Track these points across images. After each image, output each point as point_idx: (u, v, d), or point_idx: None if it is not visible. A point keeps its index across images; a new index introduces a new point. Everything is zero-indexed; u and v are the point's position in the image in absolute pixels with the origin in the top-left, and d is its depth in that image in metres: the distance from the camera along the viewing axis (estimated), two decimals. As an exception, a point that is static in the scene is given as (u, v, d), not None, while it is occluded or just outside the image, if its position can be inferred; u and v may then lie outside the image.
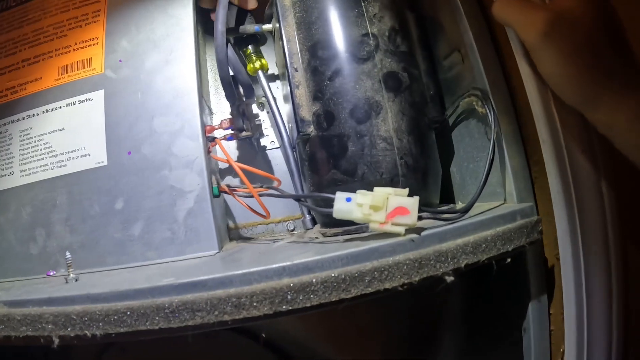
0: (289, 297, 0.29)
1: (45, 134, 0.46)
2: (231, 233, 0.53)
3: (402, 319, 0.56)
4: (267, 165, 0.54)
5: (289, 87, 0.42)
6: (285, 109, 0.53)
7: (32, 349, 0.52)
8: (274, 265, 0.30)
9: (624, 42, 0.32)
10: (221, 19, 0.43)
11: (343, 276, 0.30)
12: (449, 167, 0.48)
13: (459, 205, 0.46)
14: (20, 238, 0.44)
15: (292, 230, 0.52)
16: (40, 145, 0.46)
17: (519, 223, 0.35)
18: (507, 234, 0.34)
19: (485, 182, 0.37)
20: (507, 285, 0.41)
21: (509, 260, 0.34)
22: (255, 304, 0.29)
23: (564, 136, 0.35)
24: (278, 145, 0.55)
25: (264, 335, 0.53)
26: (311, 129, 0.41)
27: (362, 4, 0.41)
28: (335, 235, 0.39)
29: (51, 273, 0.43)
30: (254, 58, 0.48)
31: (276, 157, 0.55)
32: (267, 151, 0.55)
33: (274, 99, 0.48)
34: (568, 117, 0.35)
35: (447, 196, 0.48)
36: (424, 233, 0.32)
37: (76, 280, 0.37)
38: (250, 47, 0.49)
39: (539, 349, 0.38)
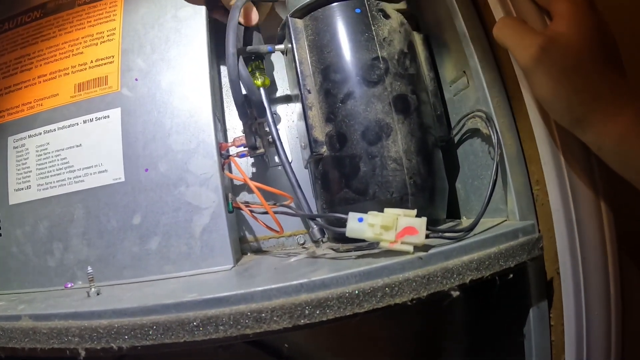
0: (307, 311, 0.30)
1: (63, 149, 0.46)
2: (243, 246, 0.52)
3: (409, 332, 0.56)
4: (278, 181, 0.54)
5: (301, 107, 0.43)
6: (296, 125, 0.53)
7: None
8: (293, 282, 0.31)
9: (616, 63, 0.32)
10: (232, 41, 0.43)
11: (357, 292, 0.31)
12: (455, 183, 0.49)
13: (464, 219, 0.47)
14: (37, 251, 0.45)
15: (303, 244, 0.52)
16: (58, 160, 0.46)
17: (520, 240, 0.35)
18: (509, 251, 0.34)
19: (488, 203, 0.38)
20: (509, 298, 0.41)
21: (511, 275, 0.35)
22: (275, 318, 0.30)
23: (564, 157, 0.36)
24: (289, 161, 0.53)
25: (286, 345, 0.53)
26: (324, 150, 0.42)
27: (372, 27, 0.41)
28: (349, 251, 0.39)
29: (69, 285, 0.43)
30: (257, 75, 0.48)
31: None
32: (278, 167, 0.54)
33: (273, 117, 0.47)
34: (568, 138, 0.36)
35: (453, 211, 0.48)
36: (431, 251, 0.33)
37: (98, 294, 0.37)
38: (253, 64, 0.48)
39: (540, 358, 0.39)
